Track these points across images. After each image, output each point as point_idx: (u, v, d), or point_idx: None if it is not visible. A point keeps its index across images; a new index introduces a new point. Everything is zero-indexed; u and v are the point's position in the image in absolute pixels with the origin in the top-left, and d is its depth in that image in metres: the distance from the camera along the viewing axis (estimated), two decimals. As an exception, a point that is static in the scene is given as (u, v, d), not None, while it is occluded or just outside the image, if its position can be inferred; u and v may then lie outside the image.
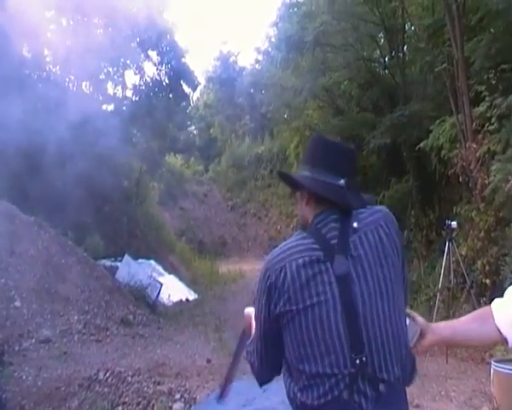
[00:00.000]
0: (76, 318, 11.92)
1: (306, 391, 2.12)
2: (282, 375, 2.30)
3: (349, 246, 2.14)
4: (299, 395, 2.14)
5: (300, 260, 2.13)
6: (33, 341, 10.34)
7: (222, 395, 2.88)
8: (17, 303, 11.09)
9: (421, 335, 2.35)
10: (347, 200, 2.21)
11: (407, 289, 2.34)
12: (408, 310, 2.34)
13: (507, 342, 2.27)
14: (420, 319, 2.37)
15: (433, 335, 2.37)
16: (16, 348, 9.92)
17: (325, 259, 2.12)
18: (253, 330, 2.49)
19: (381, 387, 2.06)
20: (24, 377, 8.34)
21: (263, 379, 2.46)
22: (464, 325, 2.40)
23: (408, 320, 2.30)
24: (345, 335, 2.07)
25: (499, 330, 2.27)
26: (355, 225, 2.18)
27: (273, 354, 2.31)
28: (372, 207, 2.29)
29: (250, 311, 2.59)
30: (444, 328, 2.42)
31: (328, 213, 2.22)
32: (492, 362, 3.84)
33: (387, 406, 2.07)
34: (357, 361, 2.06)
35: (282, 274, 2.15)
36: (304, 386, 2.13)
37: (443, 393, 8.14)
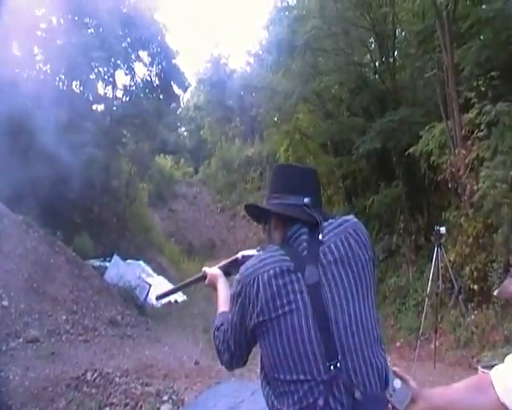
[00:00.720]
0: (64, 318, 11.90)
1: (282, 398, 2.15)
2: (260, 383, 2.33)
3: (319, 255, 2.20)
4: (275, 402, 2.17)
5: (271, 271, 2.19)
6: (21, 340, 10.31)
7: (159, 297, 3.59)
8: (5, 303, 11.05)
9: (413, 400, 2.20)
10: (312, 216, 2.28)
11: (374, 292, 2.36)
12: (400, 371, 2.26)
13: None
14: (412, 382, 2.24)
15: (425, 402, 2.21)
16: (3, 348, 9.88)
17: (296, 269, 2.18)
18: (217, 290, 2.89)
19: (357, 394, 2.07)
20: (11, 377, 8.32)
21: (230, 365, 2.55)
22: (460, 393, 2.21)
23: (399, 383, 2.20)
24: (317, 342, 2.10)
25: (503, 404, 2.04)
26: (323, 237, 2.24)
27: (241, 348, 2.42)
28: (340, 217, 2.36)
29: (213, 273, 2.98)
30: (437, 396, 2.24)
31: (298, 229, 2.30)
32: (479, 367, 3.88)
33: None
34: (332, 367, 2.08)
35: (255, 285, 2.20)
36: (279, 393, 2.16)
37: None
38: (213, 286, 3.03)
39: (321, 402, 2.06)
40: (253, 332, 2.25)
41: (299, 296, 2.14)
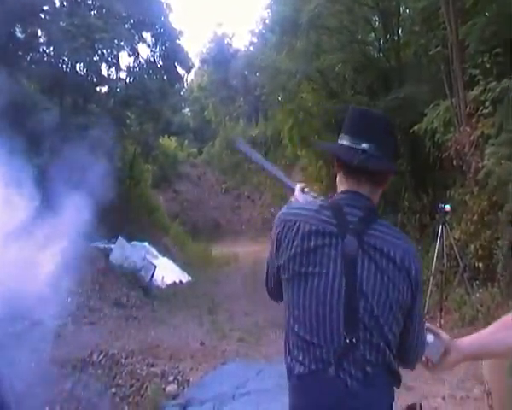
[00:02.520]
0: (69, 300, 11.91)
1: (293, 353, 2.16)
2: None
3: (364, 237, 2.13)
4: (289, 359, 2.19)
5: (313, 227, 2.15)
6: (26, 323, 10.34)
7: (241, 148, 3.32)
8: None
9: (446, 352, 2.32)
10: (359, 162, 2.17)
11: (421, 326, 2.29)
12: (432, 326, 2.36)
13: None
14: (444, 335, 2.35)
15: (458, 353, 2.34)
16: (9, 331, 9.91)
17: (337, 234, 2.13)
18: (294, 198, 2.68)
19: (369, 369, 2.07)
20: (17, 360, 8.34)
21: (270, 295, 2.54)
22: (489, 336, 2.38)
23: (432, 337, 2.30)
24: (340, 312, 2.07)
25: None
26: (373, 230, 2.15)
27: (272, 282, 2.40)
28: (396, 229, 2.24)
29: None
30: (469, 345, 2.38)
31: (357, 199, 2.22)
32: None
33: (372, 387, 2.08)
34: (347, 341, 2.06)
35: (295, 229, 2.18)
36: (292, 347, 2.17)
37: (435, 376, 8.17)
38: None
39: (332, 371, 2.06)
40: (278, 268, 2.25)
41: (332, 263, 2.10)
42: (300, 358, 2.12)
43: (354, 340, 2.06)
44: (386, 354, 2.11)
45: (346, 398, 2.05)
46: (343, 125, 2.33)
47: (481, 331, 2.43)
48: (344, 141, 2.26)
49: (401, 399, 2.38)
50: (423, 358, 2.33)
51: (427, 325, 2.36)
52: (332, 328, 2.07)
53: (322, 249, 2.12)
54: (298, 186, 2.76)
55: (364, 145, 2.19)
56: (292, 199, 2.71)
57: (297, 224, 2.18)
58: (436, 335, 2.32)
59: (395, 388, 2.22)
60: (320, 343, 2.08)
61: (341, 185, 2.28)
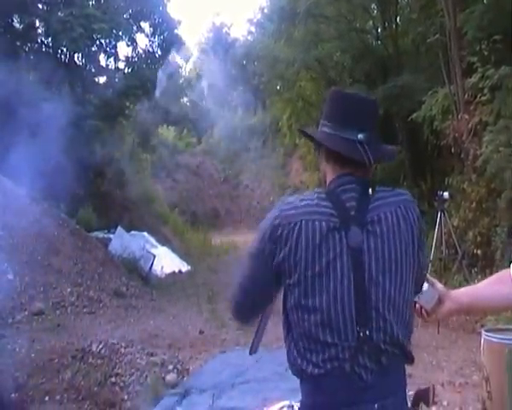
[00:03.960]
0: (69, 290, 11.93)
1: (306, 356, 2.11)
2: (283, 339, 2.25)
3: (366, 220, 2.10)
4: (299, 360, 2.13)
5: (317, 223, 2.08)
6: (26, 313, 10.36)
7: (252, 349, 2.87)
8: (10, 276, 11.08)
9: (440, 301, 2.34)
10: (361, 155, 2.11)
11: (423, 277, 2.31)
12: (427, 275, 2.37)
13: None
14: (439, 285, 2.37)
15: (452, 303, 2.36)
16: (9, 321, 9.94)
17: (341, 228, 2.08)
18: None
19: (383, 359, 2.07)
20: (17, 350, 8.37)
21: (242, 318, 2.48)
22: (483, 290, 2.42)
23: (426, 285, 2.31)
24: (351, 307, 2.05)
25: None
26: (373, 203, 2.13)
27: (258, 294, 2.28)
28: (394, 189, 2.23)
29: None
30: (463, 295, 2.41)
31: (350, 181, 2.16)
32: (483, 331, 3.87)
33: (387, 375, 2.08)
34: (361, 334, 2.05)
35: (297, 230, 2.08)
36: (304, 349, 2.11)
37: (434, 363, 8.21)
38: None
39: (347, 368, 2.04)
40: (278, 275, 2.15)
41: (338, 259, 2.05)
42: (314, 359, 2.08)
43: (368, 332, 2.05)
44: (401, 337, 2.11)
45: (362, 391, 2.05)
46: (327, 111, 2.26)
47: (477, 284, 2.50)
48: (332, 130, 2.19)
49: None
50: (417, 306, 2.33)
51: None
52: (346, 325, 2.05)
53: (327, 247, 2.07)
54: None
55: (360, 136, 2.13)
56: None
57: (297, 226, 2.09)
58: (431, 283, 2.34)
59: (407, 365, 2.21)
60: (334, 342, 2.05)
61: (332, 172, 2.22)
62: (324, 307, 2.06)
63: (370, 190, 2.17)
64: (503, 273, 2.39)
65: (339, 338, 2.05)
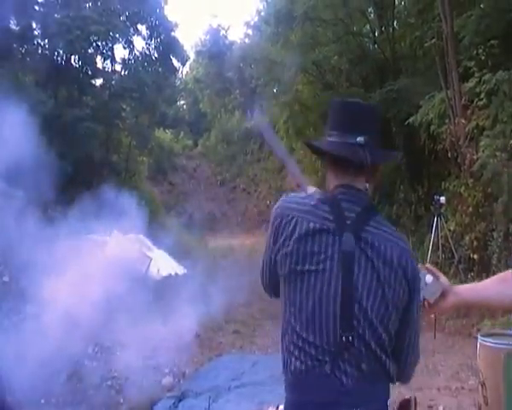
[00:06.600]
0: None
1: (289, 348, 2.15)
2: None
3: (360, 235, 2.12)
4: (285, 354, 2.18)
5: (311, 224, 2.13)
6: (22, 316, 10.34)
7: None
8: (5, 278, 11.06)
9: (443, 295, 2.38)
10: (359, 157, 2.14)
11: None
12: (432, 267, 2.40)
13: None
14: (443, 278, 2.40)
15: (455, 297, 2.41)
16: (5, 324, 9.91)
17: (334, 231, 2.11)
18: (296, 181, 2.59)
19: (363, 366, 2.07)
20: (12, 353, 8.34)
21: (267, 292, 2.51)
22: (486, 287, 2.50)
23: (431, 278, 2.34)
24: (334, 310, 2.07)
25: None
26: (371, 227, 2.14)
27: (267, 278, 2.37)
28: (395, 231, 2.24)
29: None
30: (466, 290, 2.48)
31: (355, 194, 2.19)
32: (479, 336, 3.87)
33: (367, 382, 2.08)
34: (343, 339, 2.06)
35: (292, 224, 2.16)
36: (289, 343, 2.16)
37: (430, 367, 8.21)
38: None
39: (327, 369, 2.06)
40: (275, 265, 2.24)
41: (329, 261, 2.09)
42: (296, 353, 2.12)
43: (350, 338, 2.06)
44: (380, 353, 2.11)
45: (341, 396, 2.06)
46: (329, 121, 2.30)
47: (481, 282, 2.58)
48: (335, 138, 2.23)
49: (395, 390, 2.38)
50: (420, 298, 2.32)
51: (427, 265, 2.42)
52: (328, 326, 2.07)
53: (319, 247, 2.11)
54: (310, 190, 2.61)
55: (360, 139, 2.16)
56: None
57: (294, 219, 2.16)
58: (435, 276, 2.36)
59: (391, 384, 2.21)
60: (316, 342, 2.08)
61: (335, 180, 2.24)
62: (310, 305, 2.10)
63: (373, 212, 2.21)
64: (504, 274, 2.47)
65: (320, 340, 2.08)
